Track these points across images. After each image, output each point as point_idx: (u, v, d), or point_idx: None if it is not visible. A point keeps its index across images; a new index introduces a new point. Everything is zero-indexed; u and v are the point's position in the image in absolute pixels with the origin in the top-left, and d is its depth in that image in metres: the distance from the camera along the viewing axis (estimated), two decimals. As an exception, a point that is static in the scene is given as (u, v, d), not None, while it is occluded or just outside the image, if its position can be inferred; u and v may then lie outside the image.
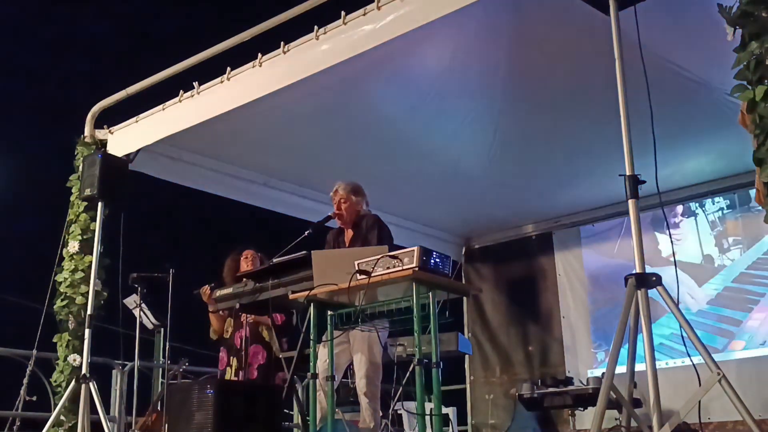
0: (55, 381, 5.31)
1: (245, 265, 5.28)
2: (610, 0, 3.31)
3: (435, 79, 5.03)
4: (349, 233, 4.71)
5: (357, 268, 3.56)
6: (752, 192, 3.68)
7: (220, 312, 5.28)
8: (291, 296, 4.05)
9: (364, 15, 4.29)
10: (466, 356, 7.30)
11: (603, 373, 3.48)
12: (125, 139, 5.60)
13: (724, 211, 6.52)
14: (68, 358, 5.25)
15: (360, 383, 4.36)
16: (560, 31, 4.44)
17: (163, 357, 5.53)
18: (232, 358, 5.23)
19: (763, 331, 6.08)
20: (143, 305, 5.41)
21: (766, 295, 6.14)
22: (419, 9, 4.02)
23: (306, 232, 4.59)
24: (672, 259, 6.10)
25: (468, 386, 7.69)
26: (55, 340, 5.37)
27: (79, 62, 14.47)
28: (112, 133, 5.71)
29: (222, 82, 4.99)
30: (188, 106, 5.19)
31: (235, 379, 5.08)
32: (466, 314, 7.87)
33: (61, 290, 5.42)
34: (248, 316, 5.13)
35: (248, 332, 5.15)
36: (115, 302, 5.36)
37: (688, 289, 6.48)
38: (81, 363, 5.02)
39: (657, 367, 2.90)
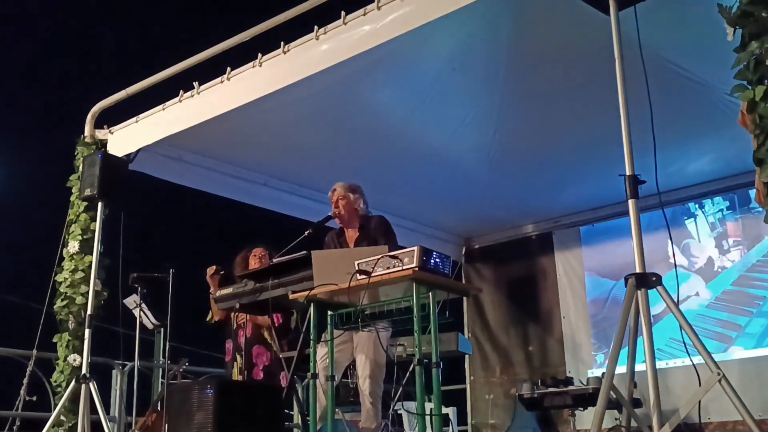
0: (55, 381, 5.31)
1: (254, 263, 5.29)
2: (610, 0, 3.31)
3: (435, 79, 5.03)
4: (351, 234, 4.70)
5: (357, 268, 3.56)
6: (752, 192, 3.68)
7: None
8: (291, 296, 4.05)
9: (364, 15, 4.29)
10: (466, 356, 7.29)
11: (603, 373, 3.49)
12: (125, 139, 5.60)
13: (724, 213, 6.50)
14: (68, 358, 5.25)
15: (364, 384, 4.35)
16: (560, 31, 4.43)
17: (163, 357, 5.53)
18: (236, 354, 5.24)
19: (763, 335, 6.06)
20: (143, 305, 5.41)
21: (766, 299, 6.12)
22: (419, 9, 4.02)
23: (306, 232, 4.60)
24: (672, 260, 6.09)
25: (468, 386, 7.68)
26: (55, 340, 5.38)
27: (79, 62, 14.48)
28: (112, 133, 5.71)
29: (222, 82, 5.00)
30: (188, 106, 5.19)
31: (240, 378, 5.09)
32: (466, 314, 7.86)
33: (61, 290, 5.42)
34: (246, 316, 5.13)
35: (249, 332, 5.16)
36: (115, 302, 5.36)
37: (688, 290, 6.47)
38: (81, 363, 5.02)
39: (657, 367, 2.90)
